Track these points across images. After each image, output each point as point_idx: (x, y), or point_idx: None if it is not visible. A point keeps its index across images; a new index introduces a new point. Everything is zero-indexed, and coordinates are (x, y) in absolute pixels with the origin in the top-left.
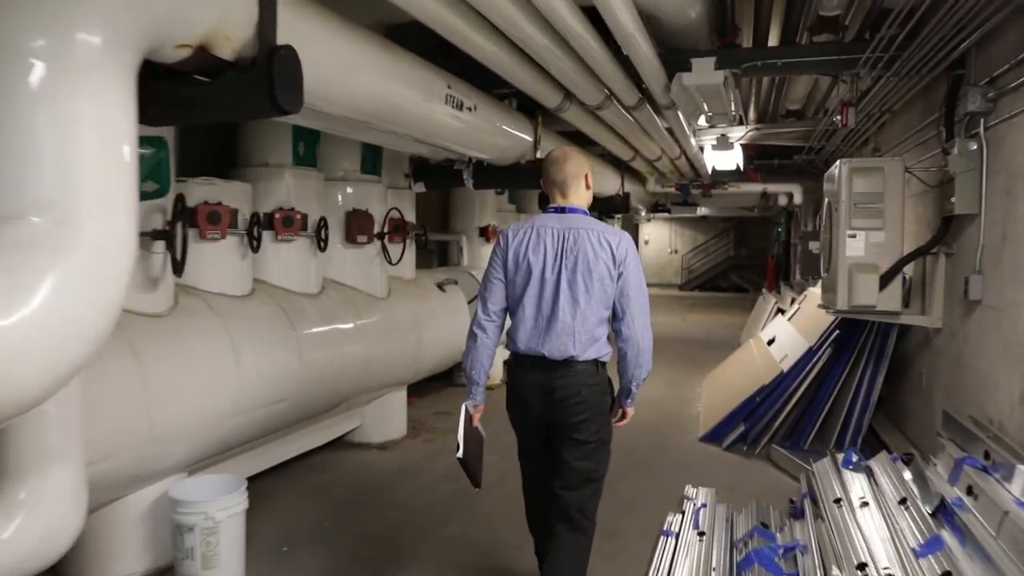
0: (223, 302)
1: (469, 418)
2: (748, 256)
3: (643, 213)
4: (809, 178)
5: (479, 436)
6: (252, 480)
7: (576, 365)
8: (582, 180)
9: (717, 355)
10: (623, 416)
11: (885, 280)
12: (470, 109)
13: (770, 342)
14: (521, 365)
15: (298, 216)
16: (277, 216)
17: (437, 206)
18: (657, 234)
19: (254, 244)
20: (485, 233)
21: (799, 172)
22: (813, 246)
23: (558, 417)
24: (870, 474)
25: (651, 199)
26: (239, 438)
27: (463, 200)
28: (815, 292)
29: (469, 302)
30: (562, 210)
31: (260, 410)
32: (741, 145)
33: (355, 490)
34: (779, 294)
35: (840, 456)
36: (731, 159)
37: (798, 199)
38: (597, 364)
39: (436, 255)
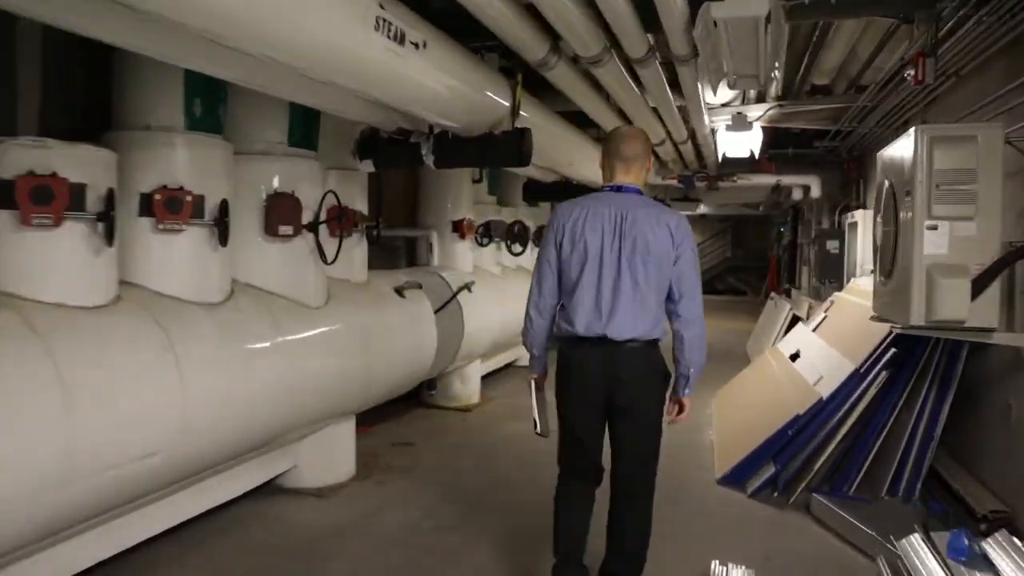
0: (56, 317)
1: (538, 386)
2: (745, 257)
3: None
4: (829, 169)
5: (544, 401)
6: (129, 552)
7: (637, 345)
8: (646, 161)
9: (725, 368)
10: (680, 408)
11: (979, 287)
12: (416, 45)
13: (794, 357)
14: (580, 347)
15: (189, 198)
16: (158, 197)
17: (404, 196)
18: None
19: (109, 233)
20: (459, 228)
21: (817, 163)
22: (831, 246)
23: (622, 398)
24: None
25: (648, 193)
26: (74, 516)
27: (433, 189)
28: (846, 299)
29: (437, 311)
30: (619, 189)
31: (111, 473)
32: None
33: (267, 564)
34: (789, 298)
35: (945, 539)
36: (747, 143)
37: (816, 192)
38: (656, 344)
39: (404, 254)
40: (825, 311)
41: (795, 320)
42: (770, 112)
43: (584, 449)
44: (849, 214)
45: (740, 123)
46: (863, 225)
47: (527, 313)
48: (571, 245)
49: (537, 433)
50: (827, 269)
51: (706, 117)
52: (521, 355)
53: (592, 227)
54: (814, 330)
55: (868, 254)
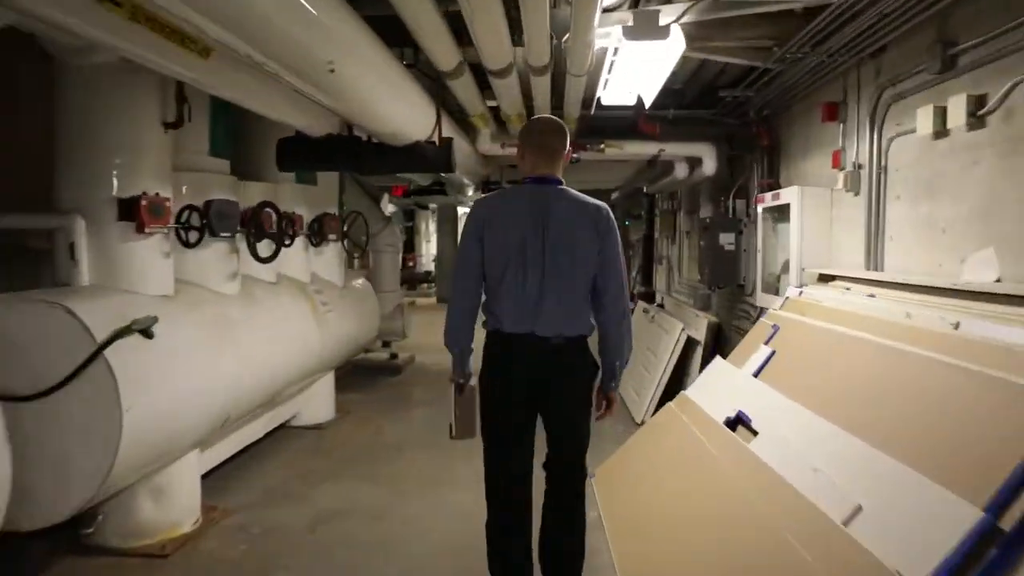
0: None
1: (459, 388)
2: None
3: (470, 190)
4: (723, 139)
5: (468, 403)
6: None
7: (566, 341)
8: (564, 156)
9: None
10: (609, 404)
11: None
12: None
13: (732, 423)
14: (506, 345)
15: None
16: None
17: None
18: None
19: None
20: (134, 211)
21: (711, 126)
22: (724, 240)
23: (553, 397)
24: None
25: (482, 170)
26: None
27: (77, 134)
28: (809, 324)
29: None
30: (540, 180)
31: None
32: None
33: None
34: (663, 310)
35: None
36: (657, 64)
37: (709, 168)
38: (584, 339)
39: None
40: (767, 341)
41: (690, 345)
42: (689, 19)
43: (511, 456)
44: (768, 195)
45: (647, 25)
46: (799, 209)
47: (449, 313)
48: (494, 240)
49: (452, 437)
50: (719, 271)
51: (596, 18)
52: (300, 410)
53: (515, 221)
54: (757, 374)
55: (813, 250)
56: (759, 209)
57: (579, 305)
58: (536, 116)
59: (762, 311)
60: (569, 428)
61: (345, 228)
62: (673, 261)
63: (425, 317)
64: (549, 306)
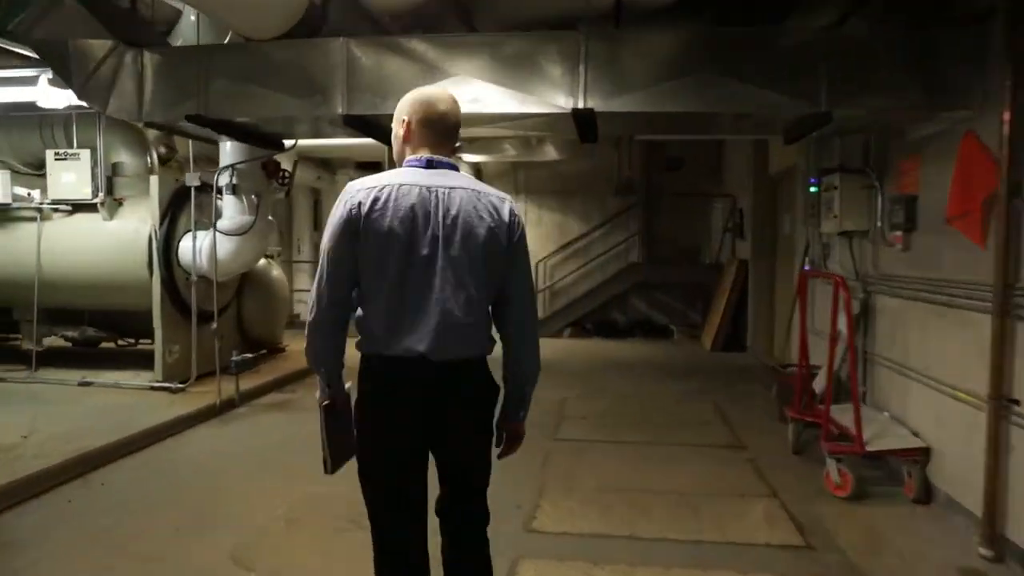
0: None
1: (330, 409)
2: (667, 264)
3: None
4: None
5: (342, 427)
6: None
7: (466, 365)
8: (457, 135)
9: None
10: (513, 438)
11: None
12: None
13: None
14: (389, 372)
15: None
16: None
17: None
18: None
19: None
20: None
21: None
22: None
23: (451, 435)
24: None
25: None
26: None
27: None
28: None
29: None
30: (431, 164)
31: None
32: None
33: None
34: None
35: None
36: None
37: None
38: (485, 360)
39: None
40: None
41: None
42: None
43: (406, 519)
44: None
45: None
46: None
47: (309, 326)
48: (373, 238)
49: (328, 472)
50: None
51: None
52: None
53: (399, 213)
54: None
55: None
56: None
57: (481, 318)
58: (423, 87)
59: None
60: (473, 469)
61: None
62: None
63: None
64: (446, 320)
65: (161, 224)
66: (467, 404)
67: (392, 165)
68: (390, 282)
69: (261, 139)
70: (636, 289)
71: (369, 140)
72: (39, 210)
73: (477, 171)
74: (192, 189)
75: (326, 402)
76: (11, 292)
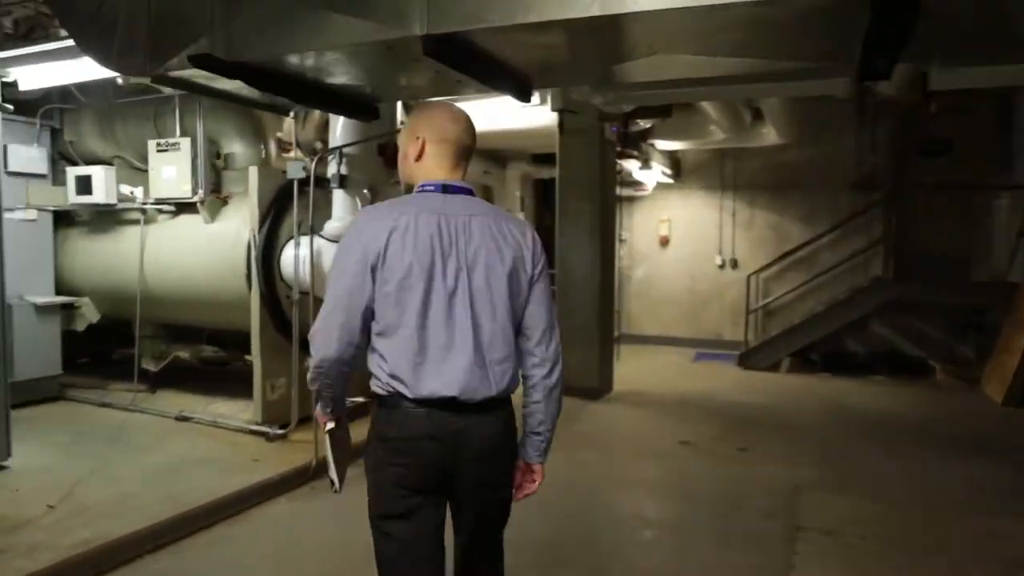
0: None
1: (334, 430)
2: (924, 276)
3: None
4: None
5: (345, 445)
6: None
7: (493, 405)
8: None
9: None
10: (532, 478)
11: None
12: None
13: None
14: (415, 414)
15: None
16: None
17: None
18: (687, 213)
19: None
20: None
21: None
22: None
23: (473, 480)
24: None
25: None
26: None
27: None
28: None
29: None
30: (447, 189)
31: None
32: None
33: None
34: None
35: None
36: None
37: None
38: (510, 400)
39: None
40: None
41: None
42: None
43: (422, 562)
44: None
45: None
46: None
47: (320, 366)
48: (390, 273)
49: (337, 491)
50: None
51: None
52: None
53: (419, 245)
54: None
55: None
56: None
57: (509, 353)
58: (433, 100)
59: None
60: (496, 517)
61: None
62: None
63: None
64: (475, 358)
65: (261, 227)
66: (495, 449)
67: None
68: (412, 318)
69: (326, 97)
70: (879, 312)
71: (544, 123)
72: (142, 211)
73: (675, 162)
74: (296, 183)
75: (331, 425)
76: (122, 304)
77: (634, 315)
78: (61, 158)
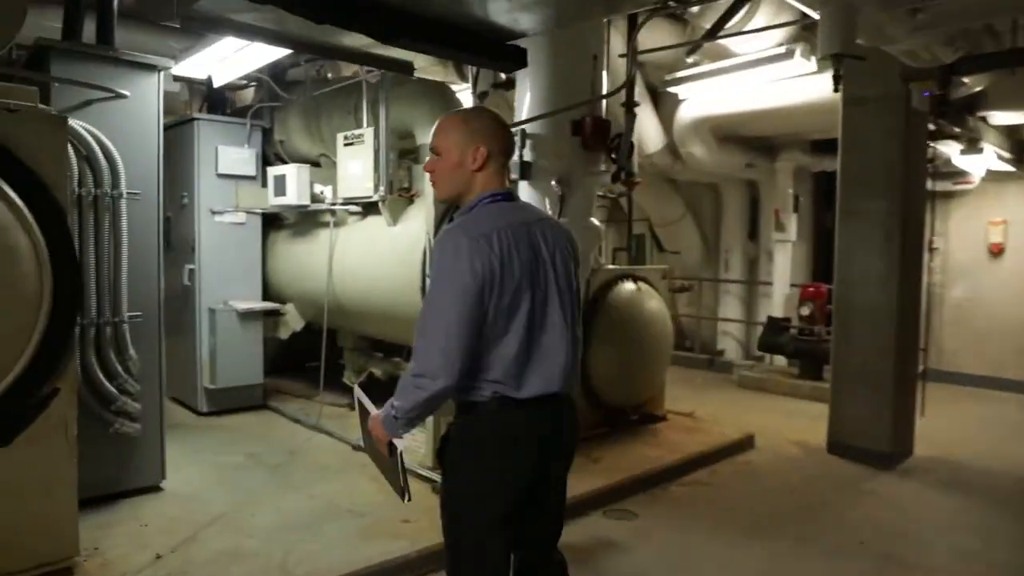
0: None
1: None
2: None
3: None
4: None
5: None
6: None
7: (571, 403)
8: None
9: None
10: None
11: None
12: None
13: None
14: (517, 414)
15: None
16: None
17: None
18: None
19: None
20: None
21: None
22: None
23: (559, 469)
24: None
25: None
26: None
27: None
28: None
29: None
30: (511, 197)
31: None
32: None
33: None
34: None
35: None
36: None
37: None
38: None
39: None
40: None
41: None
42: None
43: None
44: None
45: None
46: None
47: (438, 396)
48: (504, 288)
49: (408, 500)
50: None
51: None
52: None
53: (521, 256)
54: None
55: None
56: None
57: (579, 350)
58: (478, 106)
59: None
60: (561, 515)
61: None
62: None
63: None
64: (569, 356)
65: (437, 230)
66: (572, 443)
67: None
68: (520, 325)
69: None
70: None
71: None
72: (332, 212)
73: (1018, 143)
74: None
75: (395, 437)
76: (318, 312)
77: (948, 349)
78: (277, 159)
